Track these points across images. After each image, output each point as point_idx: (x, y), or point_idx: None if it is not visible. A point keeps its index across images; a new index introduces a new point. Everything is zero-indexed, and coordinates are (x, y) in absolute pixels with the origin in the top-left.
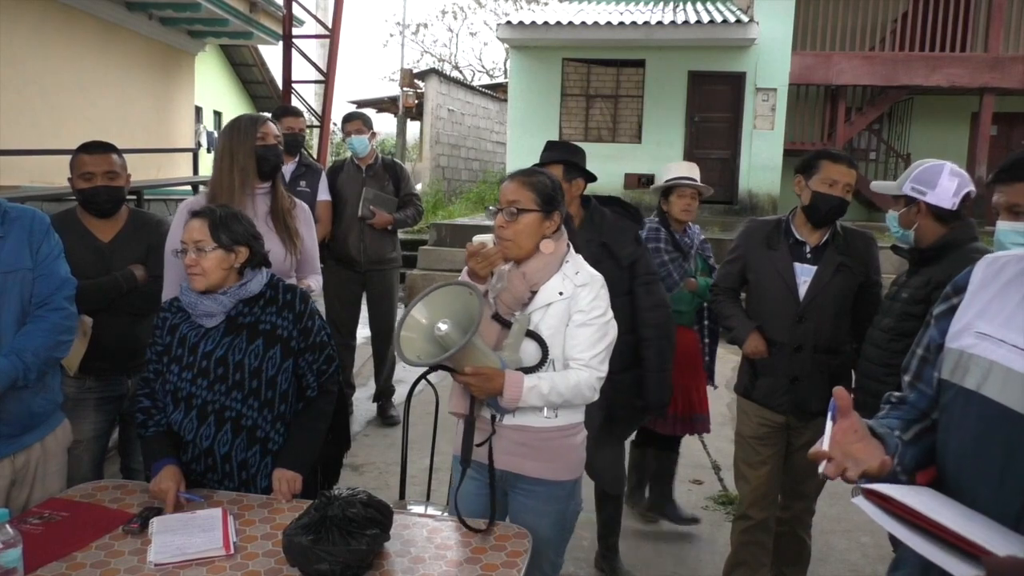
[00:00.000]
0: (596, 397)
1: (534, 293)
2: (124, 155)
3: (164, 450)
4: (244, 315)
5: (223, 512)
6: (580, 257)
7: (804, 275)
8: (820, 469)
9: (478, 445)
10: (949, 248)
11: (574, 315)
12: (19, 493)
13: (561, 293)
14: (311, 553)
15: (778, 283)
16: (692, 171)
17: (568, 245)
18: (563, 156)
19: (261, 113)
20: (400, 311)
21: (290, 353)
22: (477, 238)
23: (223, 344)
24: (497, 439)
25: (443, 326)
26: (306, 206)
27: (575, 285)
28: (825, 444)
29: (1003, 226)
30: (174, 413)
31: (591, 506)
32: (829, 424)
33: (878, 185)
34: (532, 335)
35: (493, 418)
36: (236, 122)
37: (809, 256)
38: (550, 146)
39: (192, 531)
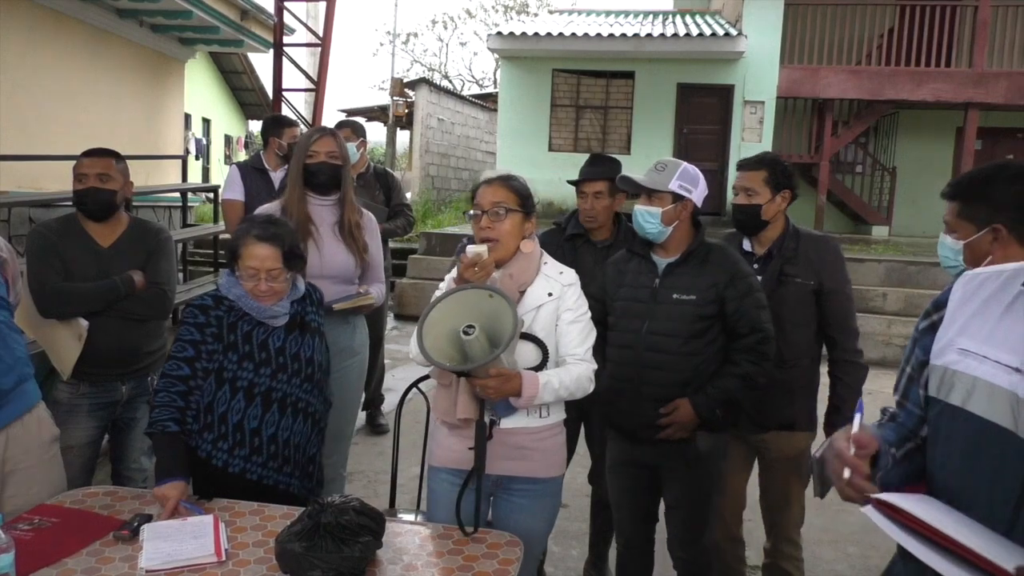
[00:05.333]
0: (592, 388)
1: (521, 294)
2: None
3: (184, 464)
4: (297, 313)
5: (214, 519)
6: (551, 258)
7: None
8: (845, 475)
9: (470, 448)
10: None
11: (563, 313)
12: None
13: (550, 294)
14: (304, 560)
15: None
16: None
17: (541, 249)
18: (611, 174)
19: (324, 126)
20: (390, 320)
21: (321, 340)
22: (471, 249)
23: (291, 341)
24: (492, 444)
25: (471, 330)
26: (372, 216)
27: (562, 285)
28: (855, 428)
29: (942, 239)
30: (249, 408)
31: (583, 516)
32: (857, 417)
33: None
34: (528, 336)
35: (491, 422)
36: (301, 137)
37: (756, 266)
38: (596, 160)
39: (183, 538)
